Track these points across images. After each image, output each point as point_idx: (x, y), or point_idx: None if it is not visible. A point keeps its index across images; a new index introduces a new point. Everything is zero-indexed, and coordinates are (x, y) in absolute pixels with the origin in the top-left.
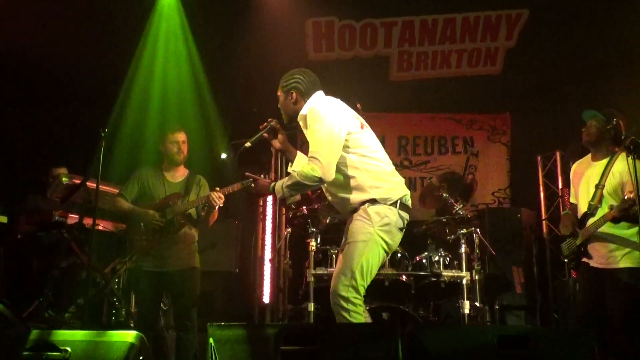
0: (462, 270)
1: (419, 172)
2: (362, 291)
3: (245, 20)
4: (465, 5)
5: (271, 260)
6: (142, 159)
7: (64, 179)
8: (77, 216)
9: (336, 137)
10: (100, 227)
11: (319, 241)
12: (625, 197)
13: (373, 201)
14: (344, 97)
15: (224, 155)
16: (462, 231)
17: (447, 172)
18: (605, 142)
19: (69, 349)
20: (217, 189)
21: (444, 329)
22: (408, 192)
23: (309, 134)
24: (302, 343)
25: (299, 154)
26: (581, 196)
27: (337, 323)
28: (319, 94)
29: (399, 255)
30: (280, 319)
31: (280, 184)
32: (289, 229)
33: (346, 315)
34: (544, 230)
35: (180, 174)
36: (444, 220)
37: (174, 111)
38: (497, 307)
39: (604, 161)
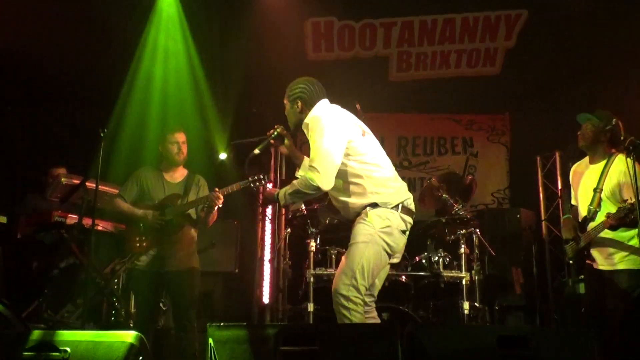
0: (461, 271)
1: (418, 172)
2: (363, 290)
3: (244, 20)
4: (465, 6)
5: (271, 261)
6: (142, 160)
7: (63, 179)
8: (76, 216)
9: (336, 146)
10: (99, 228)
11: (318, 241)
12: (621, 206)
13: (374, 205)
14: (343, 97)
15: (223, 156)
16: (461, 231)
17: (446, 172)
18: (602, 144)
19: (68, 349)
20: (217, 189)
21: (443, 329)
22: (410, 196)
23: (310, 143)
24: (302, 343)
25: (306, 158)
26: (580, 199)
27: (336, 323)
28: (323, 103)
29: None
30: (280, 319)
31: (283, 192)
32: (289, 229)
33: (346, 313)
34: (544, 230)
35: (179, 175)
36: (443, 220)
37: (173, 111)
38: (497, 308)
39: (601, 163)
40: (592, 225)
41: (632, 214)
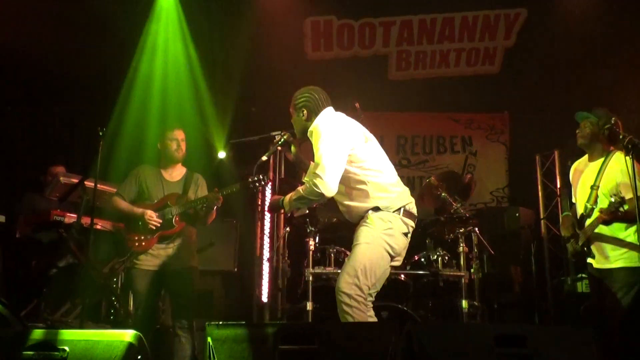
0: (460, 269)
1: (417, 171)
2: (366, 290)
3: (243, 19)
4: (464, 5)
5: (270, 260)
6: (141, 159)
7: (62, 178)
8: (75, 215)
9: (338, 154)
10: (98, 227)
11: (317, 240)
12: (611, 201)
13: (376, 209)
14: (343, 96)
15: (222, 154)
16: (460, 230)
17: (445, 171)
18: (600, 142)
19: (67, 348)
20: (216, 189)
21: (442, 327)
22: (412, 200)
23: (314, 150)
24: (301, 342)
25: (312, 164)
26: (579, 197)
27: (335, 322)
28: (328, 111)
29: None
30: (279, 318)
31: (288, 199)
32: (288, 228)
33: (348, 310)
34: (542, 229)
35: (178, 173)
36: (442, 219)
37: (172, 110)
38: (496, 306)
39: (599, 161)
40: (588, 222)
41: (622, 206)
